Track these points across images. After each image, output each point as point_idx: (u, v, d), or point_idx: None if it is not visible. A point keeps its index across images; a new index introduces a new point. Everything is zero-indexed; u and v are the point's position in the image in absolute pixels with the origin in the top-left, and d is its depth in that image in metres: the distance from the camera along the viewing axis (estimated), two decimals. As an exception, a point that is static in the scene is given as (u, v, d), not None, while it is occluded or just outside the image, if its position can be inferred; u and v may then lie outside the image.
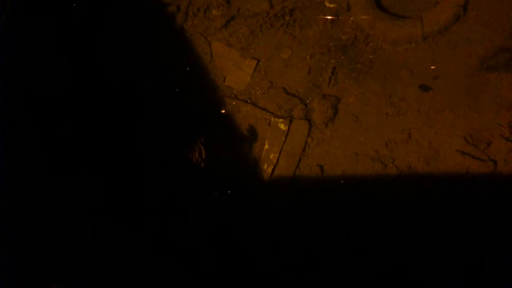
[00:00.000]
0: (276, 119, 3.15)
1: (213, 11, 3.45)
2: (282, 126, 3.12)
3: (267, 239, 3.01)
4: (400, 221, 2.87)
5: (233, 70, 3.31)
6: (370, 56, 3.19)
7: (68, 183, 3.04)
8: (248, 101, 3.25)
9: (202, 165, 3.07)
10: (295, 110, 3.15)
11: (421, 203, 2.89)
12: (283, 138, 3.11)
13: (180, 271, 2.94)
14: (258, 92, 3.27)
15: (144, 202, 3.08)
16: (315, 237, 2.94)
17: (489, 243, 2.74)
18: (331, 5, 3.33)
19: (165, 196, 3.11)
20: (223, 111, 3.26)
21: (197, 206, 3.08)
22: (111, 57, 3.39)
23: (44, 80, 3.19)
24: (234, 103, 3.26)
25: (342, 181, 3.02)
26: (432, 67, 3.08)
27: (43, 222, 2.92)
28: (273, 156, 3.10)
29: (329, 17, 3.31)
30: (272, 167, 3.09)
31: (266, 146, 3.13)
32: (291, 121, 3.13)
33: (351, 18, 3.28)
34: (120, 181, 3.12)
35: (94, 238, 2.98)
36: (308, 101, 3.18)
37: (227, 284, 2.90)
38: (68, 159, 3.10)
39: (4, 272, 2.76)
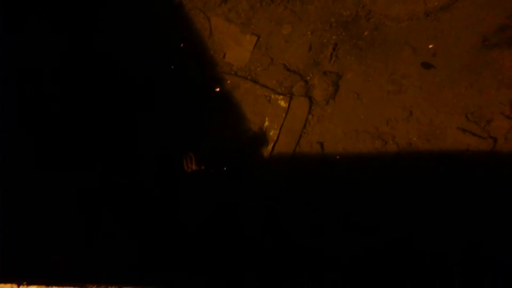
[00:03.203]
0: (277, 96, 3.12)
1: (212, -15, 3.38)
2: (283, 103, 3.10)
3: (267, 217, 3.02)
4: (400, 197, 2.88)
5: (233, 46, 3.26)
6: (372, 32, 3.15)
7: (63, 173, 3.03)
8: (248, 77, 3.22)
9: (189, 171, 3.05)
10: (295, 87, 3.12)
11: (421, 179, 2.90)
12: (284, 115, 3.09)
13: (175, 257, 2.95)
14: (258, 69, 3.23)
15: (140, 184, 3.08)
16: (315, 215, 2.95)
17: (488, 221, 2.76)
18: (333, -20, 3.27)
19: (162, 176, 3.10)
20: (223, 88, 3.23)
21: (195, 185, 3.07)
22: (108, 34, 3.32)
23: (40, 59, 3.14)
24: (234, 80, 3.22)
25: (342, 158, 3.01)
26: (430, 46, 3.04)
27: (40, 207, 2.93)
28: (273, 133, 3.08)
29: (330, -7, 3.25)
30: (272, 144, 3.08)
31: (266, 123, 3.11)
32: (291, 98, 3.10)
33: (353, -6, 3.22)
34: (116, 166, 3.11)
35: (88, 221, 2.99)
36: (308, 78, 3.15)
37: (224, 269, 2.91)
38: (62, 147, 3.09)
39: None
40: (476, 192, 2.82)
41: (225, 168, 3.09)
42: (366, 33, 3.16)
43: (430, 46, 3.05)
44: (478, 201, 2.81)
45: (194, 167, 3.02)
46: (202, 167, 3.03)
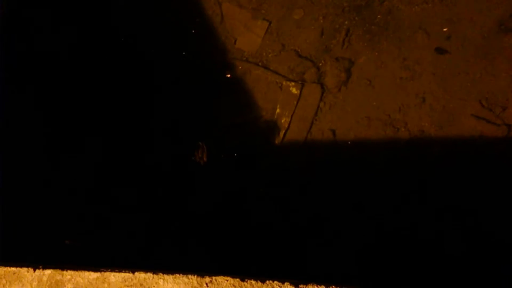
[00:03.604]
0: (288, 82, 3.10)
1: (223, -30, 3.34)
2: (294, 90, 3.08)
3: (277, 204, 3.03)
4: (411, 185, 2.88)
5: (244, 32, 3.23)
6: (385, 17, 3.10)
7: (75, 156, 3.07)
8: (260, 64, 3.20)
9: (202, 163, 3.04)
10: (307, 74, 3.10)
11: (433, 166, 2.88)
12: (295, 102, 3.07)
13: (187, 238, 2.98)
14: (269, 55, 3.20)
15: (152, 167, 3.10)
16: (326, 201, 2.96)
17: (503, 210, 2.74)
18: (346, -37, 3.20)
19: (174, 161, 3.11)
20: (234, 75, 3.21)
21: (205, 170, 3.09)
22: (118, 18, 3.31)
23: (50, 44, 3.15)
24: (245, 66, 3.20)
25: (354, 146, 3.00)
26: (444, 29, 3.00)
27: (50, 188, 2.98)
28: (285, 121, 3.07)
29: (343, -24, 3.19)
30: (283, 131, 3.07)
31: (278, 110, 3.10)
32: (303, 85, 3.08)
33: (366, -23, 3.16)
34: (126, 146, 3.13)
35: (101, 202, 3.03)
36: (320, 64, 3.12)
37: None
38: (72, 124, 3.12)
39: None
40: (490, 180, 2.80)
41: (235, 155, 3.09)
42: (379, 17, 3.10)
43: (445, 29, 3.00)
44: (492, 189, 2.79)
45: (205, 158, 3.03)
46: (213, 159, 3.04)
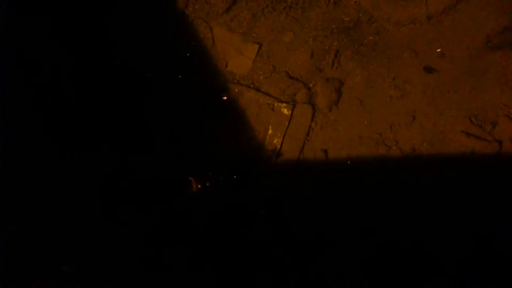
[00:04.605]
0: (279, 103, 3.13)
1: (214, -5, 3.40)
2: (286, 111, 3.11)
3: (272, 223, 3.03)
4: (404, 202, 2.88)
5: (235, 55, 3.28)
6: (374, 37, 3.15)
7: (78, 162, 3.09)
8: (251, 86, 3.24)
9: (196, 190, 3.07)
10: (298, 95, 3.14)
11: (426, 184, 2.89)
12: (287, 123, 3.10)
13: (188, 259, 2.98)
14: (261, 77, 3.24)
15: (154, 181, 3.12)
16: (321, 220, 2.96)
17: (497, 223, 2.75)
18: (334, -14, 3.27)
19: (174, 176, 3.13)
20: (226, 97, 3.25)
21: (204, 190, 3.10)
22: (114, 41, 3.35)
23: (49, 60, 3.20)
24: (237, 88, 3.24)
25: (346, 165, 3.02)
26: (438, 50, 3.04)
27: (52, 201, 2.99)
28: (277, 141, 3.10)
29: (331, -1, 3.26)
30: (276, 152, 3.08)
31: (270, 131, 3.13)
32: (294, 106, 3.11)
33: (354, -1, 3.23)
34: (128, 159, 3.15)
35: (104, 218, 3.04)
36: (311, 85, 3.16)
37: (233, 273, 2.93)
38: (74, 138, 3.15)
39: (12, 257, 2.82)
40: (482, 196, 2.81)
41: (229, 176, 3.11)
42: (367, 38, 3.16)
43: (438, 50, 3.04)
44: (484, 205, 2.80)
45: (200, 185, 3.06)
46: (208, 184, 3.07)
